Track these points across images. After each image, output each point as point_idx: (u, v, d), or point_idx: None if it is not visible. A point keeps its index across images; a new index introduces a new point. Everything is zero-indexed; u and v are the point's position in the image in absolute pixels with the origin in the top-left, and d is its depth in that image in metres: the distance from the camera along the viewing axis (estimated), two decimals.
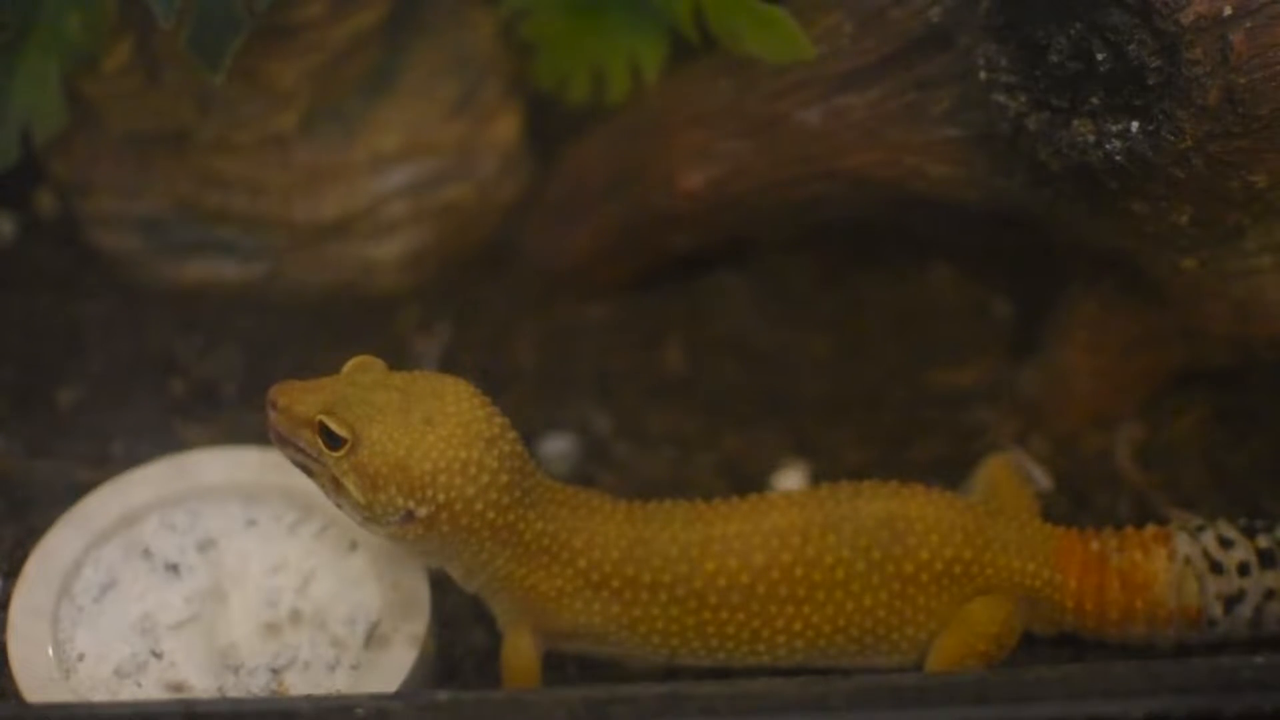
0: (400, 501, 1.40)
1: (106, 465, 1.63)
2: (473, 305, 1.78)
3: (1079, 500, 1.64)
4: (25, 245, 1.82)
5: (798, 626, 1.46)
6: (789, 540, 1.45)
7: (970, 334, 1.76)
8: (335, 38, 1.65)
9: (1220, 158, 1.41)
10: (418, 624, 1.48)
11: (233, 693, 1.46)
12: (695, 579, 1.45)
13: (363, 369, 1.44)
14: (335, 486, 1.41)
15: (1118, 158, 1.43)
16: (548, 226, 1.79)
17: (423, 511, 1.40)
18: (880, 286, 1.79)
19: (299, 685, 1.47)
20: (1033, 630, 1.51)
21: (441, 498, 1.40)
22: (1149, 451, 1.68)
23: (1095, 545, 1.50)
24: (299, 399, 1.41)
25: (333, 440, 1.40)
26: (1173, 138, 1.40)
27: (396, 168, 1.73)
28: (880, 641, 1.47)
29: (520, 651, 1.47)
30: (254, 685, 1.47)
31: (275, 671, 1.47)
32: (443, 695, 1.35)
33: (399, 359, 1.74)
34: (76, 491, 1.56)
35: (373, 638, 1.48)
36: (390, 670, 1.46)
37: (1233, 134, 1.40)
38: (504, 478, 1.41)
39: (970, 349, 1.75)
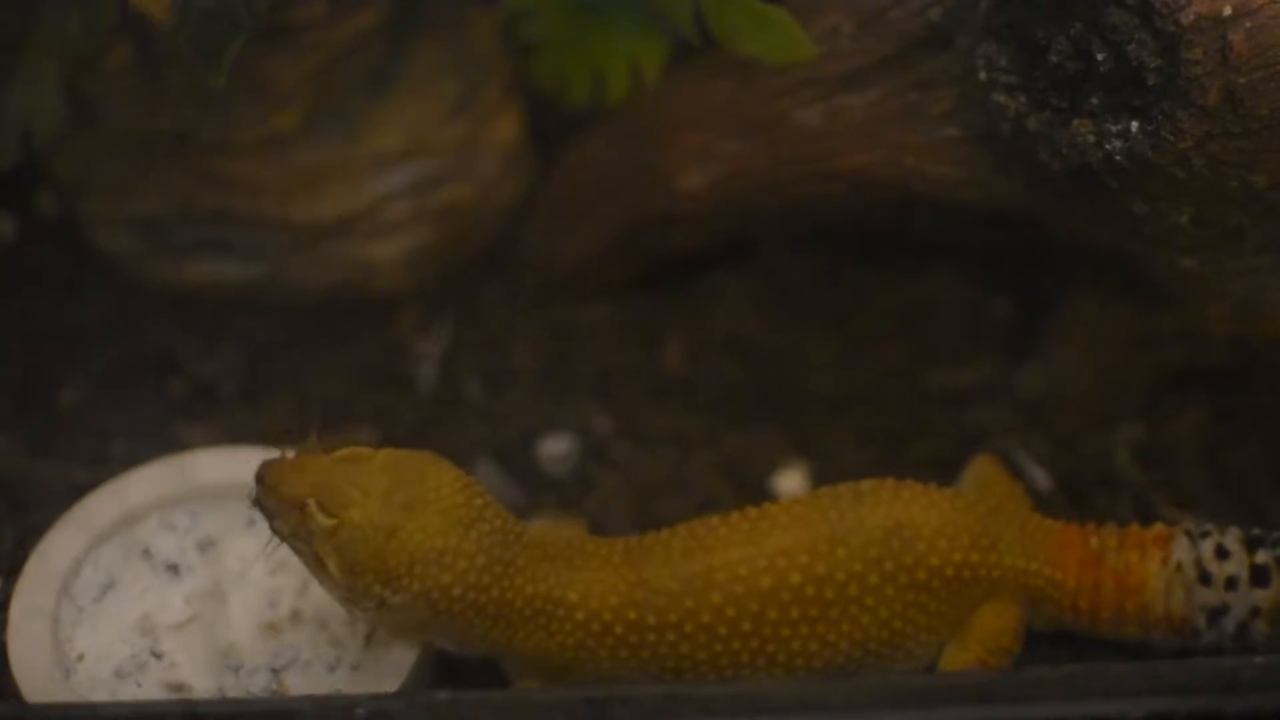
0: (377, 589, 1.39)
1: (106, 465, 1.63)
2: (473, 305, 1.78)
3: (1079, 500, 1.64)
4: (25, 245, 1.82)
5: (814, 646, 1.43)
6: (796, 559, 1.41)
7: (970, 334, 1.76)
8: (335, 38, 1.65)
9: (1220, 158, 1.41)
10: None
11: (233, 693, 1.46)
12: (702, 613, 1.41)
13: (352, 456, 1.42)
14: (319, 565, 1.41)
15: (1118, 158, 1.42)
16: (548, 226, 1.79)
17: (396, 600, 1.40)
18: (880, 286, 1.79)
19: (299, 685, 1.47)
20: (1032, 626, 1.50)
21: (417, 587, 1.39)
22: (1149, 451, 1.68)
23: (1095, 542, 1.48)
24: (285, 479, 1.40)
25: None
26: (1173, 138, 1.40)
27: (397, 168, 1.73)
28: (895, 651, 1.45)
29: None
30: (254, 685, 1.47)
31: (275, 671, 1.47)
32: (443, 695, 1.35)
33: (399, 359, 1.74)
34: (76, 491, 1.56)
35: (373, 638, 1.48)
36: (390, 670, 1.46)
37: (1233, 134, 1.40)
38: (481, 560, 1.40)
39: (970, 349, 1.75)
